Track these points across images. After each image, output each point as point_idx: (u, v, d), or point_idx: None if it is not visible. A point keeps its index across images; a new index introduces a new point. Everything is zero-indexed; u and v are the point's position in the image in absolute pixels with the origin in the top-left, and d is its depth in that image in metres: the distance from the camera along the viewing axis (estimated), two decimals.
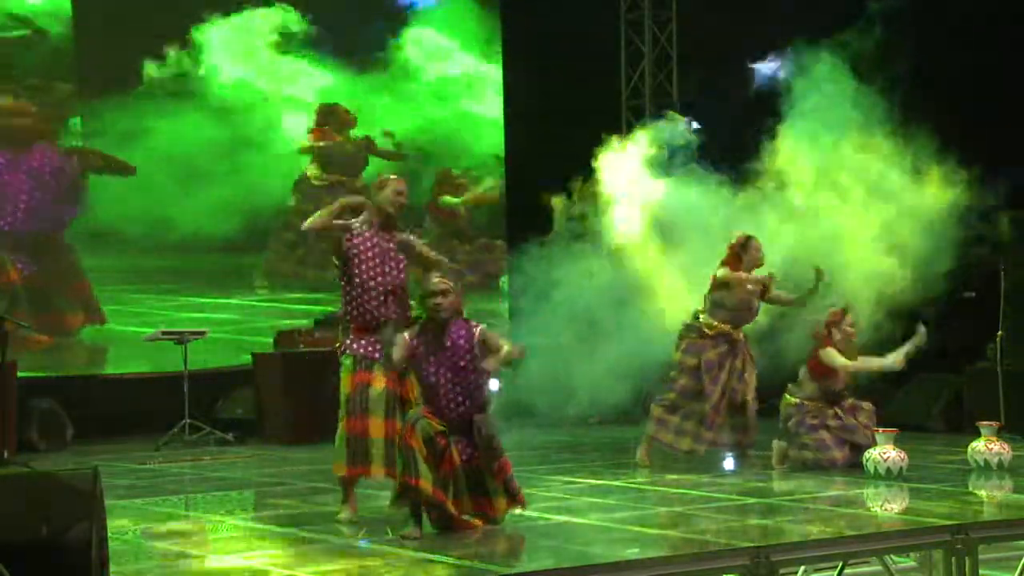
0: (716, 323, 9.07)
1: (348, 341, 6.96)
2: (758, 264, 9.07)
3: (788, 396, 8.92)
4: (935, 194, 9.45)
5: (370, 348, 6.87)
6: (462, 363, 6.41)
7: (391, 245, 6.98)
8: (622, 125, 13.86)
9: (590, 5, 14.43)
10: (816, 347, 8.83)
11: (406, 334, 6.50)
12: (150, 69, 12.93)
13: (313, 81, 13.72)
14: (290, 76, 13.62)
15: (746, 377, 9.13)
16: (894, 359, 8.75)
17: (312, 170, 13.69)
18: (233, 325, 13.25)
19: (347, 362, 6.92)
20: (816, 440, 8.69)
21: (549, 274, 10.41)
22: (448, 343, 6.42)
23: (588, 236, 10.41)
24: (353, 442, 6.78)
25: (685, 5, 14.50)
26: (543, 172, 10.95)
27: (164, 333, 11.93)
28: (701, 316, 9.15)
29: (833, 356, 8.72)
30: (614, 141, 10.44)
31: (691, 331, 9.18)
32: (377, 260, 6.93)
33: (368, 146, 14.00)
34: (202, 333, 12.12)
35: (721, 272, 9.04)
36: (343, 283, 6.98)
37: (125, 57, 12.82)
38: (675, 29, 14.57)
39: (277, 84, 13.58)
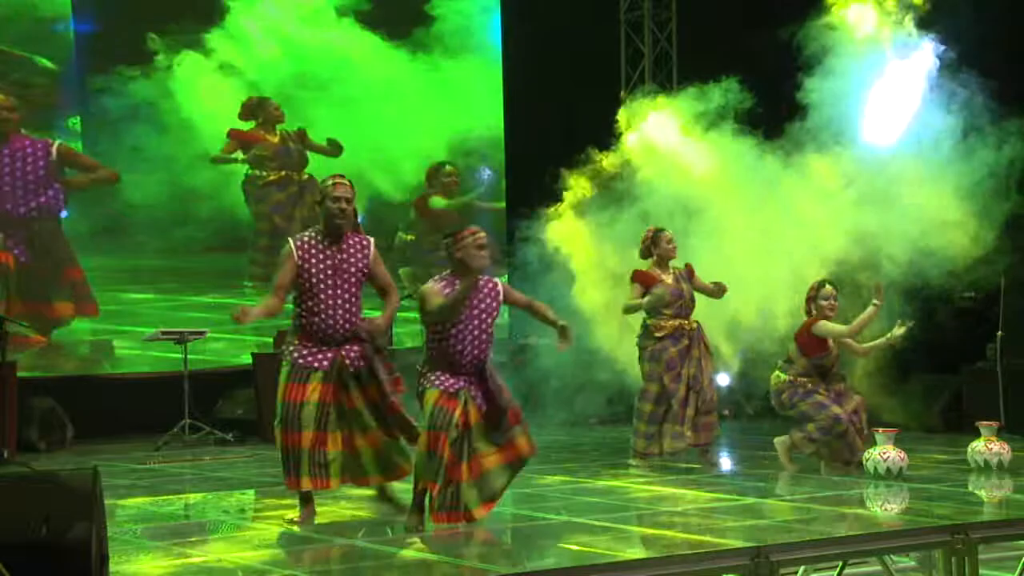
0: (663, 322, 9.09)
1: (290, 347, 6.89)
2: (671, 256, 9.16)
3: (779, 373, 8.88)
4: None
5: (310, 358, 6.78)
6: (486, 313, 6.70)
7: (342, 256, 6.84)
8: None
9: (590, 5, 14.44)
10: (807, 322, 8.81)
11: (433, 283, 6.68)
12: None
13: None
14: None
15: (703, 365, 9.16)
16: (885, 341, 8.75)
17: (252, 170, 13.33)
18: (233, 325, 13.23)
19: (285, 368, 6.83)
20: (812, 404, 8.65)
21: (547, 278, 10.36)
22: (480, 293, 6.70)
23: (624, 198, 10.31)
24: (289, 453, 6.73)
25: (685, 5, 14.51)
26: (543, 172, 10.94)
27: (164, 333, 11.93)
28: (648, 321, 9.17)
29: (829, 327, 8.66)
30: (643, 102, 10.41)
31: (647, 339, 9.18)
32: (329, 272, 6.80)
33: (300, 139, 13.59)
34: (202, 333, 12.13)
35: (636, 275, 9.15)
36: (295, 292, 6.88)
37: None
38: (675, 29, 14.58)
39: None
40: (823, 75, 9.66)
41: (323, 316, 6.79)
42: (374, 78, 13.89)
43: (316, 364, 6.77)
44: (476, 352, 6.68)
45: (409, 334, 13.37)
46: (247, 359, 12.47)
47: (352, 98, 13.77)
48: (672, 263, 9.22)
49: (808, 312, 8.83)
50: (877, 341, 8.83)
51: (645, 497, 7.75)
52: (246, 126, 13.38)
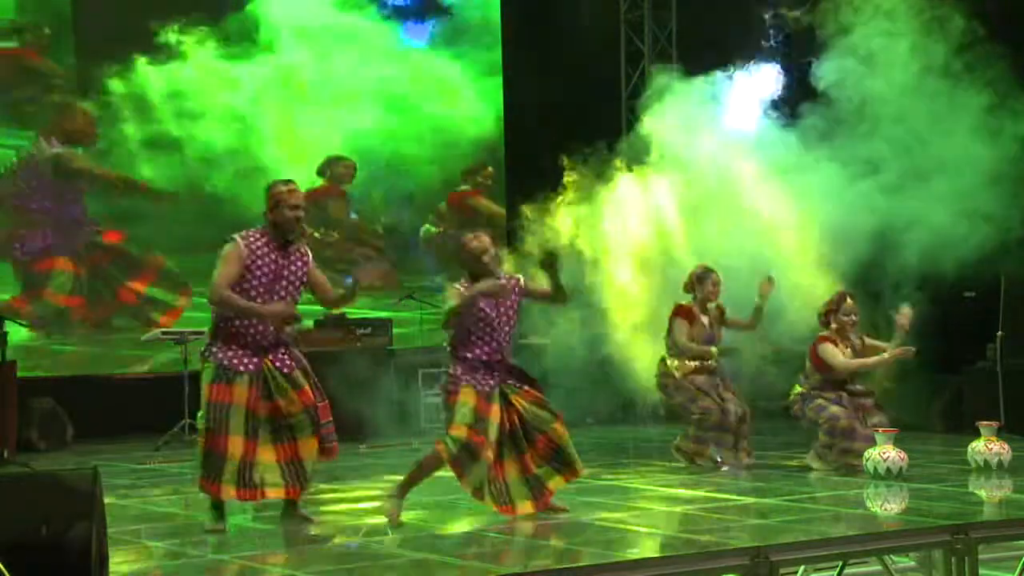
0: (687, 363, 9.03)
1: (214, 348, 6.66)
2: (712, 299, 9.04)
3: (796, 387, 8.90)
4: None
5: (235, 360, 6.60)
6: (512, 310, 7.00)
7: (284, 263, 6.66)
8: (622, 125, 13.87)
9: (590, 5, 14.44)
10: (818, 339, 8.80)
11: (459, 286, 6.87)
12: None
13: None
14: None
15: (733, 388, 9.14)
16: (890, 353, 8.73)
17: None
18: None
19: (208, 369, 6.63)
20: (813, 407, 8.67)
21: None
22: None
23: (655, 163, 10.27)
24: (212, 458, 6.54)
25: (685, 5, 14.51)
26: (542, 172, 10.94)
27: (164, 333, 11.92)
28: (668, 361, 9.10)
29: (831, 354, 8.69)
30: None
31: (667, 377, 9.11)
32: (270, 278, 6.62)
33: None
34: (202, 333, 12.07)
35: (681, 311, 9.04)
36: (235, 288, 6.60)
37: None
38: (675, 29, 14.58)
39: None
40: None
41: (255, 321, 6.60)
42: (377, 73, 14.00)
43: (241, 367, 6.58)
44: (504, 349, 6.92)
45: (407, 335, 13.40)
46: None
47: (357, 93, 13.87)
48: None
49: (826, 324, 8.81)
50: (883, 356, 8.76)
51: (644, 497, 7.75)
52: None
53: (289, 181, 6.78)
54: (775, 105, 10.25)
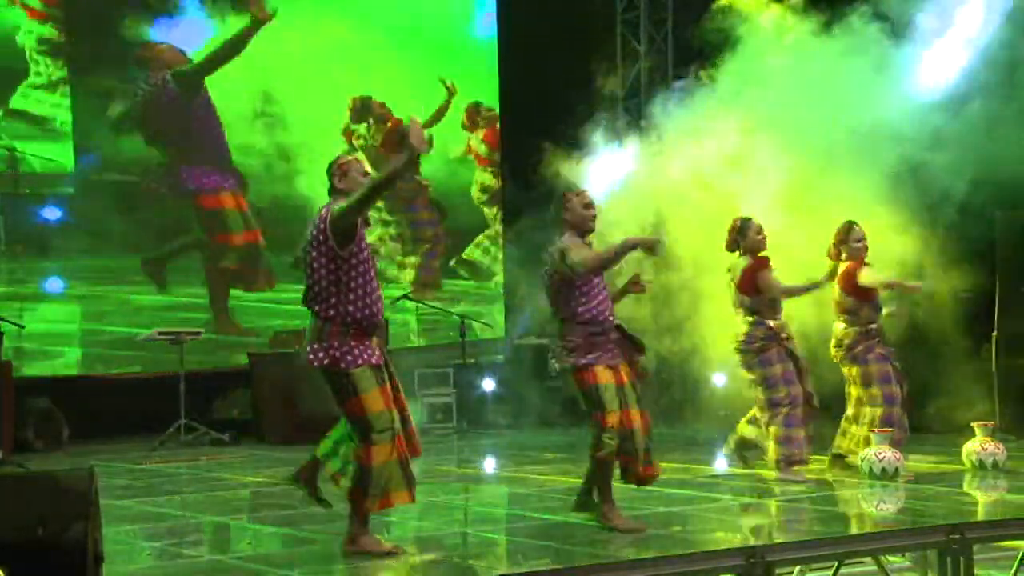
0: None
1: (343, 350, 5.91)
2: (760, 248, 8.35)
3: (845, 326, 8.59)
4: None
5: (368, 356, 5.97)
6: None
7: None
8: (619, 125, 13.86)
9: (587, 5, 14.44)
10: (847, 268, 8.49)
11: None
12: None
13: None
14: None
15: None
16: (898, 282, 8.52)
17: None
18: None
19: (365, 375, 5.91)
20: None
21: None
22: None
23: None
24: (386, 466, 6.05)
25: (681, 5, 14.50)
26: (539, 172, 10.93)
27: (160, 333, 11.92)
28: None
29: (871, 276, 8.39)
30: None
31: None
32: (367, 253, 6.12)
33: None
34: (197, 333, 12.12)
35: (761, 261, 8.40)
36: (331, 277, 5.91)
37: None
38: (671, 29, 14.57)
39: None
40: None
41: (371, 301, 5.96)
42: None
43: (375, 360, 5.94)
44: (611, 312, 6.59)
45: (402, 335, 13.42)
46: (243, 360, 12.46)
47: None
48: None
49: (836, 256, 8.61)
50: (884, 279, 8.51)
51: (641, 497, 7.75)
52: (361, 127, 13.77)
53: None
54: None
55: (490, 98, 14.84)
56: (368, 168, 6.31)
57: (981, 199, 9.66)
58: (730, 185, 9.62)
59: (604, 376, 6.46)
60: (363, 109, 13.92)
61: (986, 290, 10.57)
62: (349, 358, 5.83)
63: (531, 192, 11.05)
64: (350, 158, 6.34)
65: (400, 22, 14.18)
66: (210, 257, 13.14)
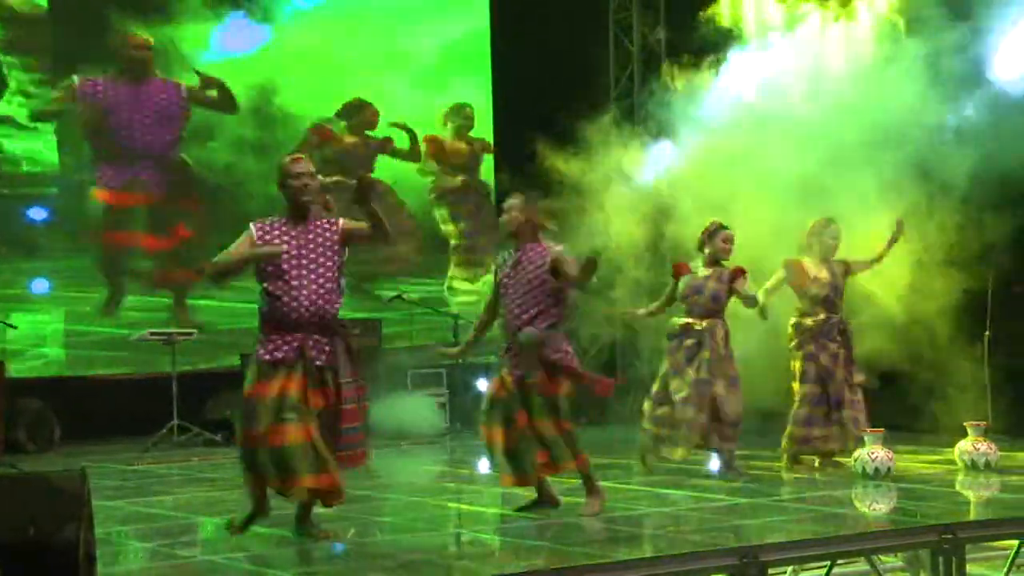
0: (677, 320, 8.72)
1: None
2: (723, 257, 8.54)
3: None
4: None
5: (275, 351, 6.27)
6: (532, 280, 6.97)
7: (309, 237, 6.35)
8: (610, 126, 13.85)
9: (579, 6, 14.44)
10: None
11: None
12: None
13: None
14: None
15: (713, 368, 8.64)
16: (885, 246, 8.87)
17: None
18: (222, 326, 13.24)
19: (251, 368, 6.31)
20: None
21: None
22: (521, 260, 7.01)
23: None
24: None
25: (673, 6, 14.50)
26: (535, 171, 10.93)
27: (152, 334, 11.90)
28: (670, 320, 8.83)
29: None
30: None
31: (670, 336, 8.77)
32: (293, 253, 6.31)
33: (384, 146, 14.04)
34: (190, 334, 12.10)
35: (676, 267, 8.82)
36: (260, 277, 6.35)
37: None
38: (663, 29, 14.58)
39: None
40: None
41: (287, 299, 6.23)
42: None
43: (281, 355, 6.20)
44: (519, 318, 7.21)
45: (395, 335, 13.40)
46: (235, 360, 12.43)
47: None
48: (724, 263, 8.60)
49: (808, 247, 8.87)
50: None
51: (634, 497, 7.76)
52: (338, 124, 13.79)
53: (294, 153, 6.66)
54: None
55: (484, 96, 14.83)
56: (304, 169, 6.36)
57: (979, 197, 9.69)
58: (727, 182, 9.69)
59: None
60: (353, 109, 13.85)
61: (981, 290, 10.60)
62: (261, 350, 6.24)
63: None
64: (286, 160, 6.45)
65: (396, 22, 14.22)
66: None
